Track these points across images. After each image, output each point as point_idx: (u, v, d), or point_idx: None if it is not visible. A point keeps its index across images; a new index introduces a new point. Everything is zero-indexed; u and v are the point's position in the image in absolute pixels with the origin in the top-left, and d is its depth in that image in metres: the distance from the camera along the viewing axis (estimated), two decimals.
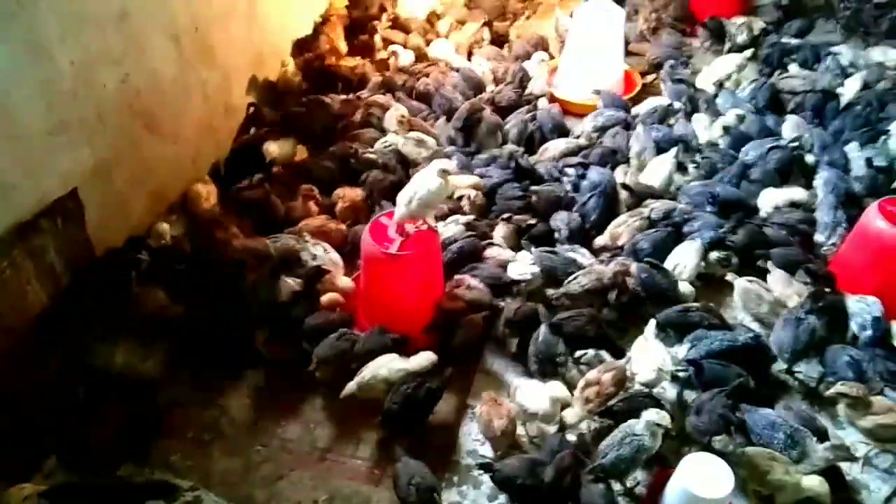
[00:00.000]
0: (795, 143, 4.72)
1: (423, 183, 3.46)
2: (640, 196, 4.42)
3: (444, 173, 3.44)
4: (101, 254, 3.64)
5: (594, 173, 4.50)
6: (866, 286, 3.71)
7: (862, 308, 3.61)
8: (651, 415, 3.10)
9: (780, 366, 3.56)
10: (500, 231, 4.15)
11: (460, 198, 4.34)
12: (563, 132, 5.02)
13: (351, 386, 3.37)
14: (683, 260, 3.93)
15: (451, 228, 4.16)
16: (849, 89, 5.28)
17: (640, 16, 6.24)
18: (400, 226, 3.58)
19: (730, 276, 3.92)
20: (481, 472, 3.19)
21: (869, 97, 5.09)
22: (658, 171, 4.57)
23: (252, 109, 4.97)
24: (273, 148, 4.55)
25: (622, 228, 4.21)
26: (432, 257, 3.68)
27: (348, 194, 4.34)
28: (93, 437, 3.17)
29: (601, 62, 5.44)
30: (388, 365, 3.39)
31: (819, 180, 4.41)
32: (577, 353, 3.58)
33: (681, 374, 3.45)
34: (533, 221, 4.23)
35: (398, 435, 3.37)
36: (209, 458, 3.33)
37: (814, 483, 2.97)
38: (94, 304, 3.43)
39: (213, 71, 4.54)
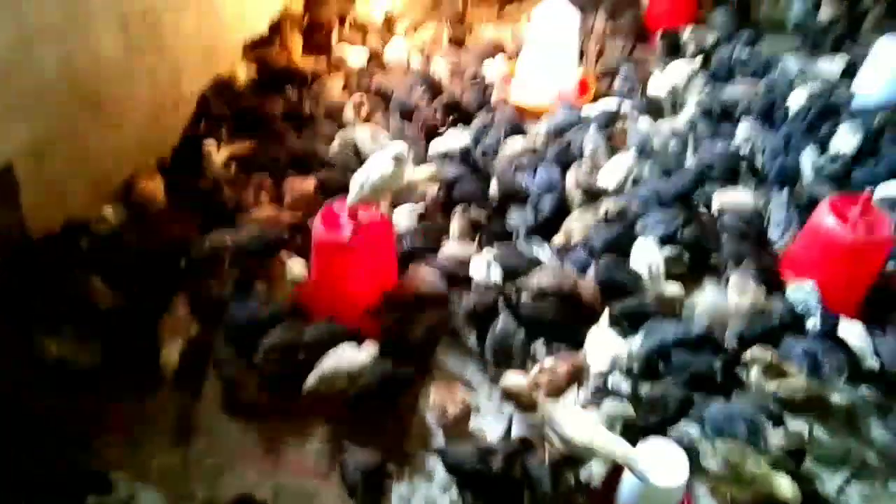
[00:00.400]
0: (746, 146, 4.78)
1: (376, 167, 3.39)
2: (593, 194, 4.41)
3: (399, 158, 3.37)
4: (36, 238, 3.45)
5: (546, 172, 4.49)
6: (817, 279, 3.73)
7: (800, 297, 3.66)
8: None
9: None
10: (457, 224, 4.08)
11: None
12: (518, 132, 4.99)
13: (311, 380, 3.25)
14: (651, 258, 3.87)
15: (404, 219, 4.08)
16: (796, 99, 5.39)
17: (594, 25, 6.28)
18: (352, 211, 3.49)
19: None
20: (434, 461, 3.10)
21: (816, 105, 5.20)
22: (613, 172, 4.58)
23: (202, 102, 4.83)
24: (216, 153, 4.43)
25: (575, 225, 4.20)
26: (385, 245, 3.60)
27: (297, 185, 4.22)
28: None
29: (556, 65, 5.45)
30: (349, 357, 3.28)
31: (771, 179, 4.47)
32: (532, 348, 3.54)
33: (634, 367, 3.41)
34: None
35: (347, 428, 3.25)
36: (146, 453, 3.17)
37: (784, 485, 2.94)
38: (29, 289, 3.25)
39: (162, 60, 4.41)
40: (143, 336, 3.40)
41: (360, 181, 3.40)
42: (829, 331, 3.56)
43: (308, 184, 4.24)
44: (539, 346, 3.61)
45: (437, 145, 4.70)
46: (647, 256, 3.88)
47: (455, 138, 4.72)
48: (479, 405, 3.40)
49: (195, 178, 4.32)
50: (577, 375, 3.33)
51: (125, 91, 4.09)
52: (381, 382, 3.27)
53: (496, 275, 3.78)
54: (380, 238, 3.52)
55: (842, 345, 3.50)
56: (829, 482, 3.13)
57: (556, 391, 3.21)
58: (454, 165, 4.48)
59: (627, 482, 2.95)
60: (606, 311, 3.59)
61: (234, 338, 3.50)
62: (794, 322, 3.62)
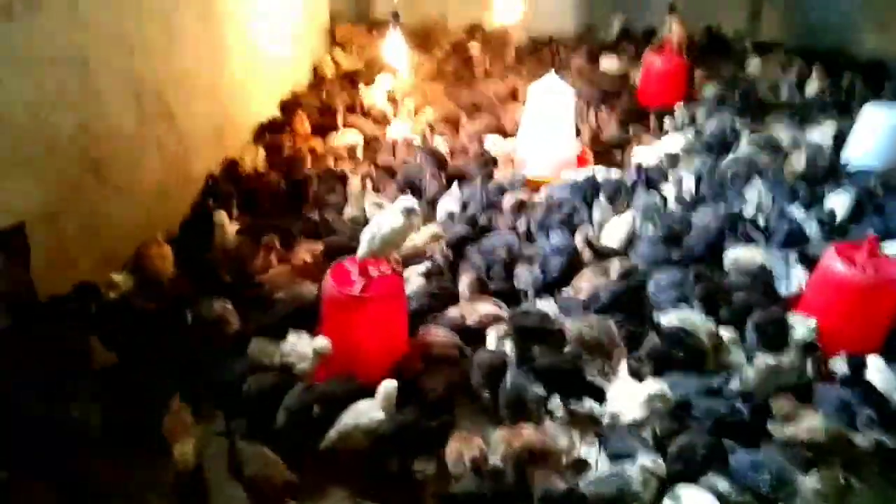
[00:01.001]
0: (751, 209, 4.87)
1: (386, 221, 3.41)
2: (601, 254, 4.45)
3: (409, 212, 3.40)
4: (44, 300, 3.42)
5: (557, 237, 4.55)
6: (830, 326, 3.70)
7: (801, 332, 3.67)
8: (645, 460, 2.96)
9: None
10: (465, 280, 4.07)
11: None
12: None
13: (330, 435, 3.15)
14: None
15: (412, 280, 4.07)
16: (793, 163, 5.54)
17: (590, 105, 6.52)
18: (362, 267, 3.48)
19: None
20: None
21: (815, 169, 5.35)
22: (616, 232, 4.66)
23: (210, 182, 4.92)
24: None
25: (584, 283, 4.20)
26: (396, 300, 3.56)
27: (306, 249, 4.25)
28: None
29: (555, 139, 5.60)
30: (367, 413, 3.17)
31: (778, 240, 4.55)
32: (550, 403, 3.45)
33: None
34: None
35: (363, 489, 3.10)
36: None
37: None
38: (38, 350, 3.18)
39: (171, 135, 4.53)
40: (141, 398, 3.31)
41: (370, 234, 3.41)
42: (856, 374, 3.50)
43: (316, 248, 4.25)
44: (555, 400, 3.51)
45: (444, 205, 4.82)
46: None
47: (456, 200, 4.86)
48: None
49: (204, 249, 4.34)
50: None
51: (136, 162, 4.19)
52: (400, 435, 3.16)
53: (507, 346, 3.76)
54: (391, 292, 3.49)
55: (869, 388, 3.43)
56: None
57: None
58: (461, 225, 4.55)
59: None
60: (624, 362, 3.52)
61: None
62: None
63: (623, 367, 3.50)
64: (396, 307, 3.57)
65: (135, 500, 3.02)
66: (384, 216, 3.45)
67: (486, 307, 3.90)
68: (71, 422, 3.11)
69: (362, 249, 3.42)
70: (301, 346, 3.49)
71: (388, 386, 3.18)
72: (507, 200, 4.95)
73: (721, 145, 5.89)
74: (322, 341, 3.46)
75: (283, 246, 4.38)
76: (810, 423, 3.23)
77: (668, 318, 3.82)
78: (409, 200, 3.45)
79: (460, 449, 3.07)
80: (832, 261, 3.76)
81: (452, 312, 3.91)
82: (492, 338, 3.79)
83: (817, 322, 3.69)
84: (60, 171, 3.57)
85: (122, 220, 4.08)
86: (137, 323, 3.66)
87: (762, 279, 4.20)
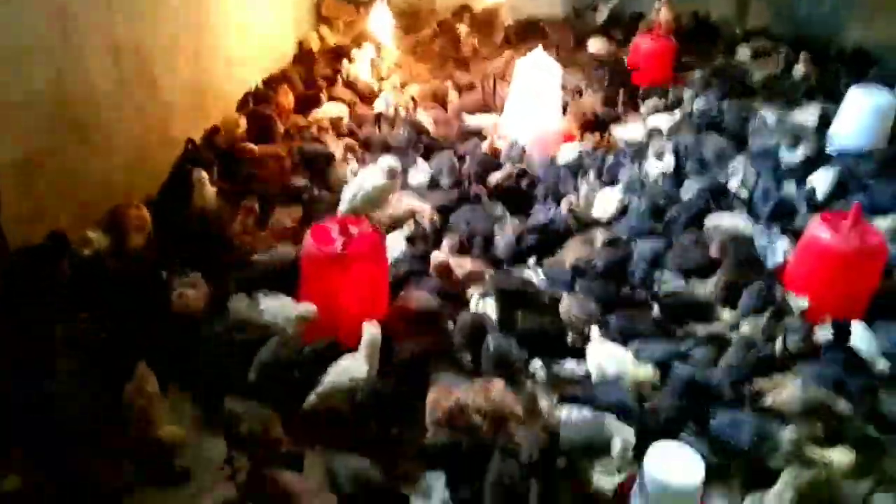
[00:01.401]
0: (735, 183, 4.86)
1: (368, 179, 3.36)
2: (586, 225, 4.47)
3: (392, 170, 3.35)
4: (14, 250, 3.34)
5: (543, 208, 4.56)
6: (814, 294, 3.69)
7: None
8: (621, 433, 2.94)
9: None
10: (448, 244, 4.03)
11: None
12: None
13: (311, 398, 3.09)
14: None
15: (394, 246, 4.02)
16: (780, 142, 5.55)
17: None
18: (343, 226, 3.43)
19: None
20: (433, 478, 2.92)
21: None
22: (605, 205, 4.66)
23: (190, 146, 4.83)
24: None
25: (570, 254, 4.18)
26: (377, 259, 3.51)
27: (286, 214, 4.21)
28: None
29: (541, 113, 5.57)
30: (351, 371, 3.12)
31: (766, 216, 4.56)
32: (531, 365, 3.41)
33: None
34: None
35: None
36: None
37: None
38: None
39: (152, 100, 4.46)
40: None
41: (352, 192, 3.36)
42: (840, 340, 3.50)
43: (296, 212, 4.19)
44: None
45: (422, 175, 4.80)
46: None
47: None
48: None
49: (183, 212, 4.25)
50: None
51: (114, 120, 4.10)
52: (378, 400, 3.11)
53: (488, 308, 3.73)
54: (372, 250, 3.44)
55: (854, 355, 3.43)
56: (855, 489, 2.95)
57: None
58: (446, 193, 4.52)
59: (642, 487, 2.76)
60: (595, 327, 3.49)
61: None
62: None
63: (595, 330, 3.46)
64: (377, 266, 3.53)
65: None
66: (366, 174, 3.40)
67: (469, 264, 3.86)
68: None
69: (343, 206, 3.37)
70: (285, 310, 3.41)
71: (373, 332, 3.13)
72: (495, 172, 4.90)
73: (707, 125, 5.88)
74: (307, 307, 3.39)
75: (262, 211, 4.30)
76: (791, 392, 3.20)
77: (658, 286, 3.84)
78: (391, 159, 3.39)
79: (438, 399, 3.02)
80: (818, 229, 3.75)
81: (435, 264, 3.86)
82: (473, 301, 3.75)
83: (802, 292, 3.70)
84: (36, 122, 3.49)
85: (101, 179, 4.00)
86: (110, 284, 3.57)
87: (747, 250, 4.19)
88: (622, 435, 2.94)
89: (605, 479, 2.92)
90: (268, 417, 3.01)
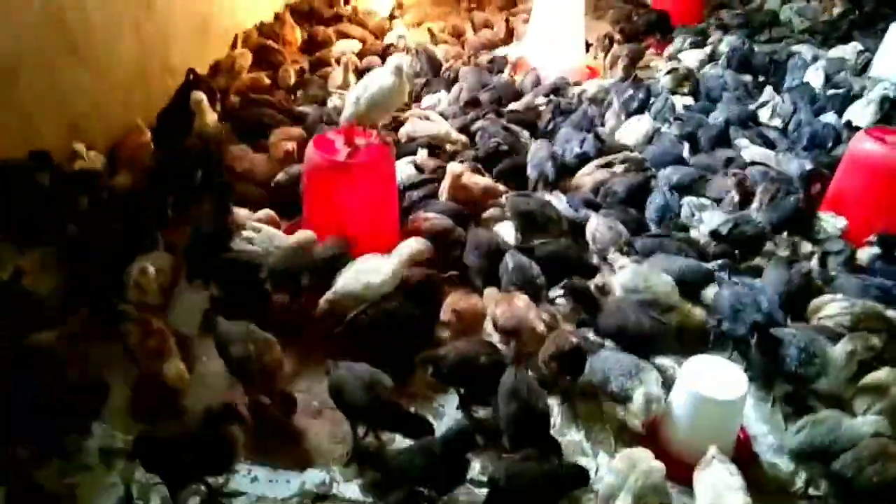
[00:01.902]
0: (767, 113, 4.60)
1: (373, 81, 3.09)
2: (612, 150, 4.17)
3: (400, 71, 3.07)
4: None
5: (569, 135, 4.29)
6: (859, 214, 3.42)
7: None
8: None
9: None
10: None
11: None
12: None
13: (322, 304, 2.88)
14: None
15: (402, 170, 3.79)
16: (813, 78, 5.24)
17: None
18: (348, 136, 3.17)
19: None
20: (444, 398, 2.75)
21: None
22: (636, 129, 4.43)
23: (192, 76, 4.59)
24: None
25: (587, 179, 3.95)
26: (385, 170, 3.25)
27: (286, 135, 3.99)
28: None
29: (563, 46, 5.29)
30: (374, 267, 2.89)
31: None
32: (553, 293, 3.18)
33: None
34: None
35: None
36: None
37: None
38: None
39: (149, 20, 4.22)
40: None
41: (356, 95, 3.09)
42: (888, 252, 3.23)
43: (296, 131, 3.99)
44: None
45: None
46: None
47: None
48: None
49: (183, 137, 4.04)
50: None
51: (110, 40, 3.88)
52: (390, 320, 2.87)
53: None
54: (379, 160, 3.18)
55: None
56: None
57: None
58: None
59: (679, 400, 2.51)
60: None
61: None
62: None
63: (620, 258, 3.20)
64: (384, 178, 3.26)
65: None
66: (372, 77, 3.14)
67: (484, 180, 3.62)
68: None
69: (347, 112, 3.11)
70: (278, 240, 3.21)
71: (418, 246, 2.95)
72: (514, 102, 4.65)
73: (739, 63, 5.56)
74: (306, 233, 3.15)
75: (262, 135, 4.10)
76: (840, 307, 2.93)
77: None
78: (399, 58, 3.12)
79: (456, 301, 2.84)
80: (863, 142, 3.46)
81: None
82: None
83: (846, 214, 3.43)
84: (23, 31, 3.27)
85: (92, 97, 3.77)
86: (107, 200, 3.38)
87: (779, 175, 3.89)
88: (648, 387, 2.57)
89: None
90: (263, 340, 2.74)
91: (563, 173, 3.97)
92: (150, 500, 2.41)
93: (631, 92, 4.78)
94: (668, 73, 5.20)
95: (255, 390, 2.67)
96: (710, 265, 3.24)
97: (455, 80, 4.92)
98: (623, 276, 3.05)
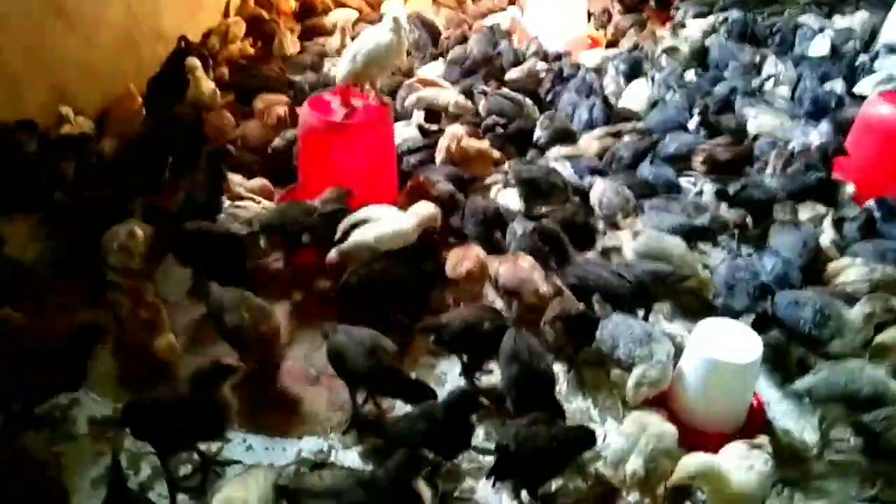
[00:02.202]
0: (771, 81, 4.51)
1: (371, 36, 2.96)
2: (618, 115, 4.11)
3: (398, 25, 2.93)
4: None
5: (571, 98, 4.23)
6: (873, 177, 3.33)
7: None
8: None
9: None
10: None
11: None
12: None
13: (333, 254, 2.79)
14: None
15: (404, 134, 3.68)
16: (819, 47, 5.12)
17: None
18: (345, 97, 3.05)
19: None
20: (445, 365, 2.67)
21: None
22: (638, 94, 4.33)
23: (183, 44, 4.45)
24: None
25: (594, 144, 3.85)
26: (383, 131, 3.13)
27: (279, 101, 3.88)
28: None
29: (565, 15, 5.17)
30: (382, 230, 2.79)
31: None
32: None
33: None
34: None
35: None
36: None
37: None
38: None
39: None
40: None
41: (352, 52, 2.97)
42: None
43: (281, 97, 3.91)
44: None
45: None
46: None
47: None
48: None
49: (175, 104, 3.92)
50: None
51: (98, 6, 3.76)
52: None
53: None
54: (377, 123, 3.07)
55: None
56: None
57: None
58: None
59: (690, 365, 2.41)
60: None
61: None
62: None
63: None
64: (383, 139, 3.15)
65: None
66: (368, 33, 3.02)
67: (481, 144, 3.52)
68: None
69: (342, 70, 2.99)
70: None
71: (431, 211, 2.85)
72: (514, 68, 4.53)
73: (741, 34, 5.43)
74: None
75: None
76: (858, 271, 2.83)
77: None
78: (397, 8, 2.99)
79: (461, 256, 2.75)
80: (877, 105, 3.35)
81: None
82: (494, 192, 3.41)
83: (857, 178, 3.34)
84: None
85: (80, 64, 3.66)
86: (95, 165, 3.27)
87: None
88: (649, 366, 2.42)
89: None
90: (259, 308, 2.61)
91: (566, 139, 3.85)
92: (140, 470, 2.33)
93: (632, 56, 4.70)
94: (665, 51, 5.07)
95: (250, 359, 2.57)
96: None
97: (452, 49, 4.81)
98: (637, 242, 2.94)
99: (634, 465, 2.11)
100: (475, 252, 2.78)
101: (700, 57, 5.06)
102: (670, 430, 2.20)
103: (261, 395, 2.58)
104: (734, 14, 5.65)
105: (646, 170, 3.55)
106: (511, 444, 2.11)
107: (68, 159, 3.21)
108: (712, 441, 2.22)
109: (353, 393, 2.47)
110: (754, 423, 2.47)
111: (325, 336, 2.50)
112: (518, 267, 2.70)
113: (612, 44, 5.43)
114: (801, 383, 2.43)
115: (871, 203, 3.15)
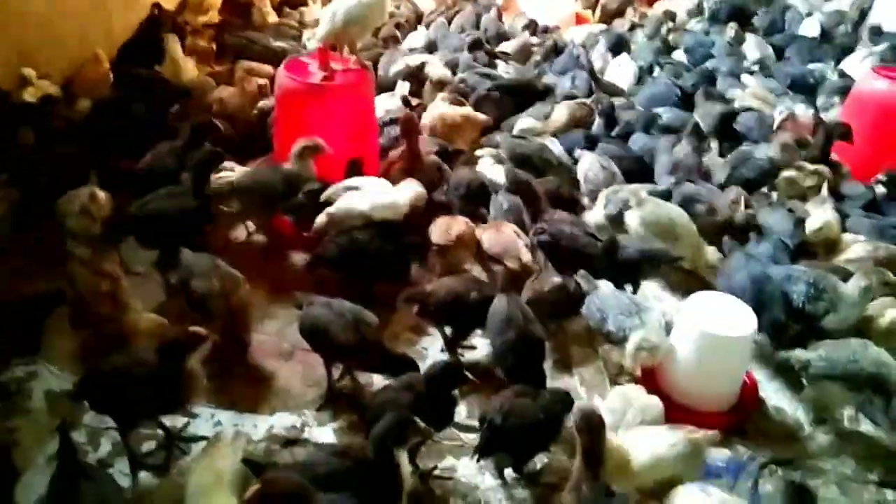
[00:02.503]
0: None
1: None
2: (604, 89, 3.96)
3: None
4: None
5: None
6: (868, 150, 3.24)
7: None
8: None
9: None
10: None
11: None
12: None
13: (321, 218, 2.65)
14: None
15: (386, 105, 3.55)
16: (809, 28, 5.07)
17: None
18: (323, 60, 2.91)
19: None
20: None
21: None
22: (622, 72, 4.21)
23: (157, 11, 4.28)
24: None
25: (565, 112, 3.71)
26: (363, 94, 2.99)
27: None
28: None
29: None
30: (372, 197, 2.67)
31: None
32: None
33: None
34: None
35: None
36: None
37: None
38: None
39: None
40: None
41: (332, 10, 2.82)
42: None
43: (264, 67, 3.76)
44: None
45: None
46: None
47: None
48: None
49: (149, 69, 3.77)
50: None
51: None
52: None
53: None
54: (356, 86, 2.92)
55: None
56: None
57: None
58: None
59: (681, 339, 2.31)
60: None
61: None
62: None
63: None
64: (363, 103, 3.00)
65: None
66: None
67: (465, 110, 3.41)
68: None
69: (321, 29, 2.84)
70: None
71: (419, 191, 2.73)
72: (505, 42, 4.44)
73: (729, 14, 5.33)
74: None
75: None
76: (861, 248, 2.76)
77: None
78: None
79: (449, 223, 2.66)
80: (871, 80, 3.28)
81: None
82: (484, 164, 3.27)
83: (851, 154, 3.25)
84: None
85: (47, 30, 3.50)
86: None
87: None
88: (646, 331, 2.31)
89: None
90: (230, 277, 2.47)
91: None
92: (100, 446, 2.19)
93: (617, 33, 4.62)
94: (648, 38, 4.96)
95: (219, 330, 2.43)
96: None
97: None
98: (642, 211, 2.82)
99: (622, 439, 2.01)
100: (462, 219, 2.67)
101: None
102: (655, 402, 2.12)
103: (231, 369, 2.43)
104: None
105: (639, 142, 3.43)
106: (497, 417, 2.00)
107: (29, 124, 3.04)
108: (704, 420, 2.12)
109: (330, 368, 2.34)
110: (747, 400, 2.37)
111: (299, 307, 2.36)
112: (502, 233, 2.61)
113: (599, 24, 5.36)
114: (797, 356, 2.33)
115: (880, 177, 3.07)
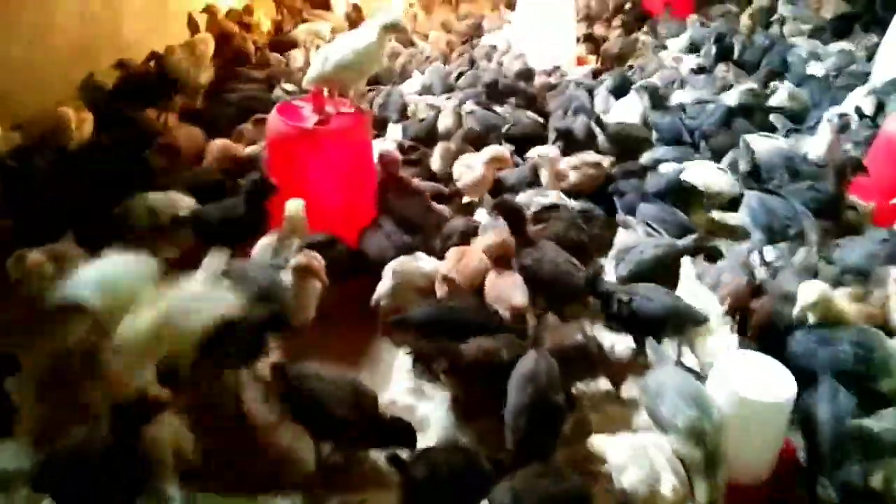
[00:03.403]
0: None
1: (349, 39, 2.66)
2: (611, 135, 3.77)
3: (390, 27, 2.60)
4: None
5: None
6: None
7: None
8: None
9: None
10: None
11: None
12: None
13: (381, 289, 2.48)
14: None
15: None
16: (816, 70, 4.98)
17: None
18: (318, 104, 2.73)
19: None
20: None
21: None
22: (630, 113, 4.07)
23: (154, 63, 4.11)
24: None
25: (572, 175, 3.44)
26: (360, 139, 2.81)
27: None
28: None
29: (553, 36, 4.98)
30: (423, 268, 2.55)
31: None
32: None
33: None
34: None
35: None
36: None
37: None
38: None
39: None
40: None
41: (324, 54, 2.65)
42: None
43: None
44: None
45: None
46: None
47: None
48: None
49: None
50: None
51: (45, 9, 3.48)
52: None
53: None
54: (353, 129, 2.74)
55: None
56: None
57: None
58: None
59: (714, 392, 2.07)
60: None
61: None
62: None
63: None
64: (359, 148, 2.82)
65: None
66: (352, 34, 2.73)
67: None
68: None
69: (311, 73, 2.68)
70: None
71: None
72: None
73: (725, 55, 5.22)
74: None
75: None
76: None
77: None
78: (395, 16, 2.67)
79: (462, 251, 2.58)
80: None
81: None
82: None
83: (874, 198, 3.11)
84: None
85: (27, 72, 3.38)
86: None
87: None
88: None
89: None
90: None
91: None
92: None
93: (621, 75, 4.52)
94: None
95: None
96: None
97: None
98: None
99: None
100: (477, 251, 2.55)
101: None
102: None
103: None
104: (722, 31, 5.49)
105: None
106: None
107: None
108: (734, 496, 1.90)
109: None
110: (783, 472, 2.13)
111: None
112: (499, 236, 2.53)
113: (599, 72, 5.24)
114: (866, 423, 2.07)
115: None
